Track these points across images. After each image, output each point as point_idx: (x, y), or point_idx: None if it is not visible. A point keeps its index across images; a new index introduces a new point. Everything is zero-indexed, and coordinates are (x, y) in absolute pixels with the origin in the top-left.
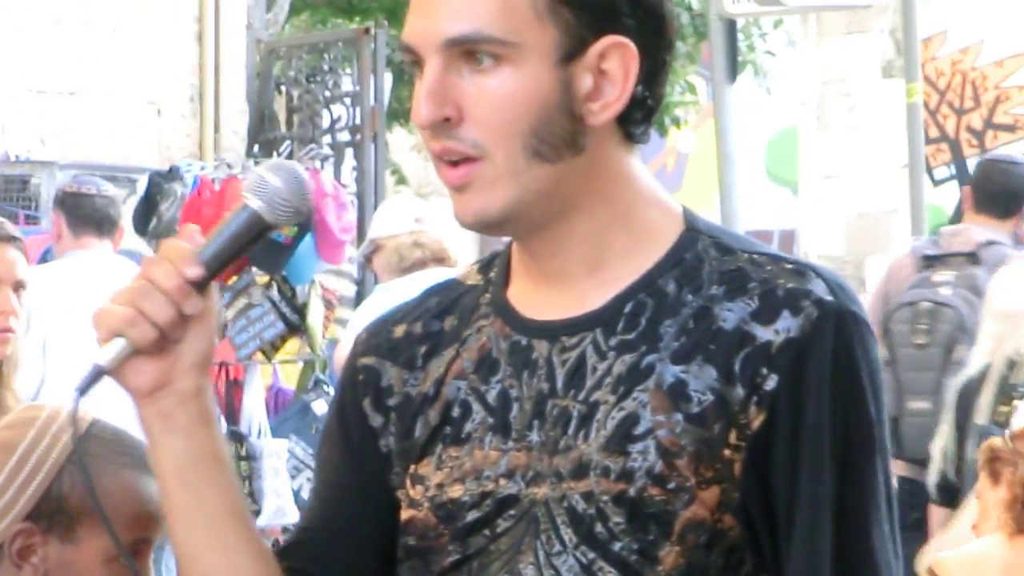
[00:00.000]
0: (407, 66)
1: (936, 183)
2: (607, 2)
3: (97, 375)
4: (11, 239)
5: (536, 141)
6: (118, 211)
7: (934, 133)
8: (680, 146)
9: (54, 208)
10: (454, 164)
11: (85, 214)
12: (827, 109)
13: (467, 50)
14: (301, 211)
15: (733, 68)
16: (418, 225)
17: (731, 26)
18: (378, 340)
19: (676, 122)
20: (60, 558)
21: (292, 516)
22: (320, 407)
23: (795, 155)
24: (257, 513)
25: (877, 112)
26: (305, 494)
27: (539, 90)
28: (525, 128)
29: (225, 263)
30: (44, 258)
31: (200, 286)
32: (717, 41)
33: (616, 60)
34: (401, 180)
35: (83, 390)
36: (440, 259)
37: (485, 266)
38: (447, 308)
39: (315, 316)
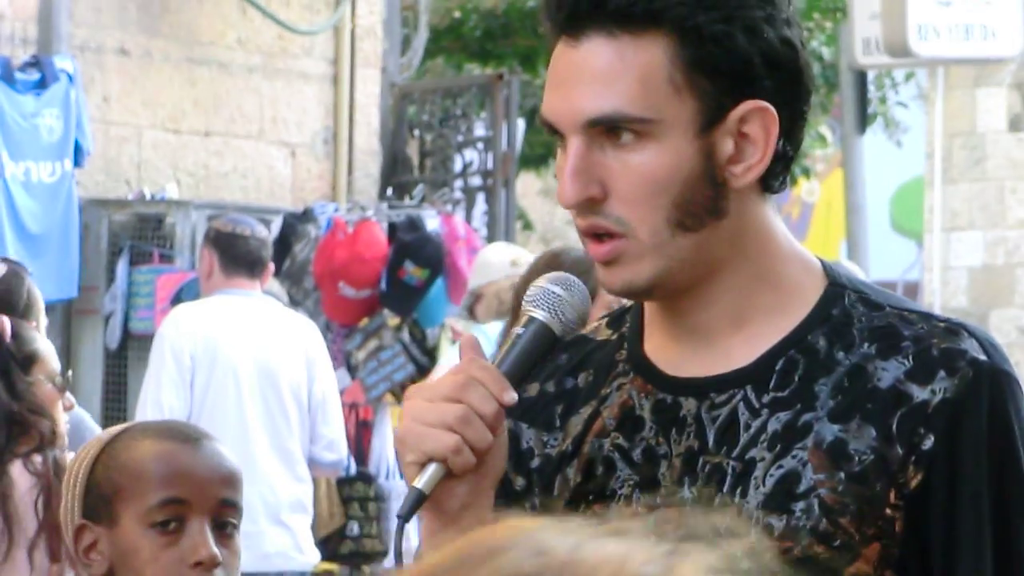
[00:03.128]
0: (547, 135)
1: None
2: (744, 68)
3: (419, 500)
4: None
5: (679, 213)
6: (269, 253)
7: None
8: (805, 195)
9: (206, 246)
10: (599, 239)
11: (238, 254)
12: (953, 161)
13: (608, 128)
14: (584, 319)
15: (863, 119)
16: (514, 269)
17: (862, 77)
18: None
19: (806, 172)
20: (114, 542)
21: None
22: None
23: (921, 206)
24: (385, 554)
25: (1004, 165)
26: None
27: (681, 163)
28: (668, 202)
29: (520, 381)
30: (178, 296)
31: None
32: (848, 92)
33: (757, 123)
34: (527, 226)
35: (407, 517)
36: None
37: (615, 321)
38: (580, 364)
39: (445, 359)
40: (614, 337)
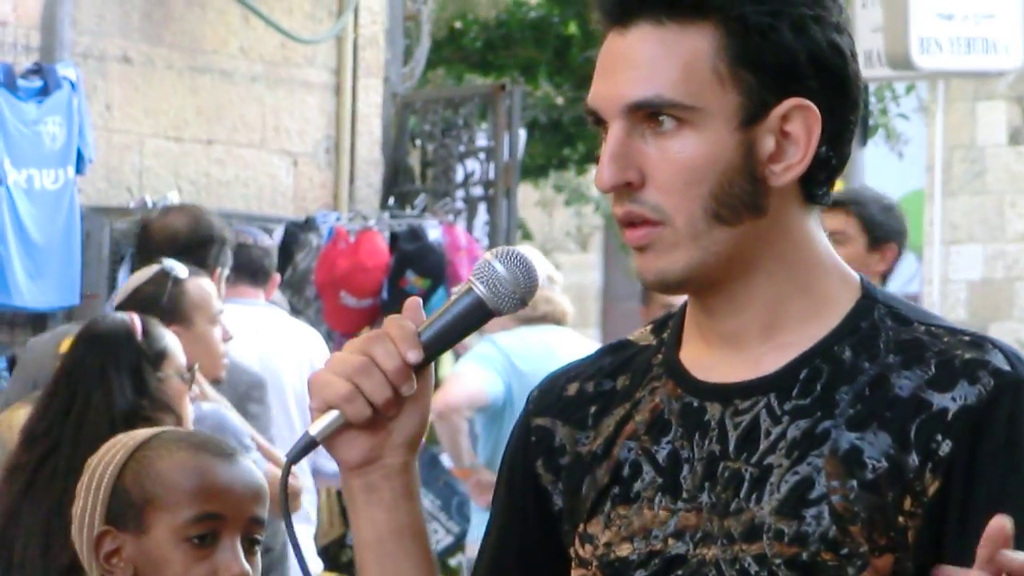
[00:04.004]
0: (591, 127)
1: None
2: (790, 65)
3: (309, 445)
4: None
5: (716, 205)
6: (272, 262)
7: None
8: None
9: None
10: (634, 224)
11: (241, 264)
12: (953, 174)
13: (649, 113)
14: (526, 301)
15: (864, 131)
16: (550, 284)
17: (863, 90)
18: (551, 399)
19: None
20: (140, 551)
21: None
22: (448, 460)
23: (921, 219)
24: None
25: (1003, 179)
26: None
27: (720, 153)
28: (706, 192)
29: (444, 347)
30: None
31: (418, 368)
32: None
33: (799, 122)
34: (526, 235)
35: (295, 458)
36: (559, 320)
37: (659, 327)
38: (620, 367)
39: (447, 368)
40: (655, 342)
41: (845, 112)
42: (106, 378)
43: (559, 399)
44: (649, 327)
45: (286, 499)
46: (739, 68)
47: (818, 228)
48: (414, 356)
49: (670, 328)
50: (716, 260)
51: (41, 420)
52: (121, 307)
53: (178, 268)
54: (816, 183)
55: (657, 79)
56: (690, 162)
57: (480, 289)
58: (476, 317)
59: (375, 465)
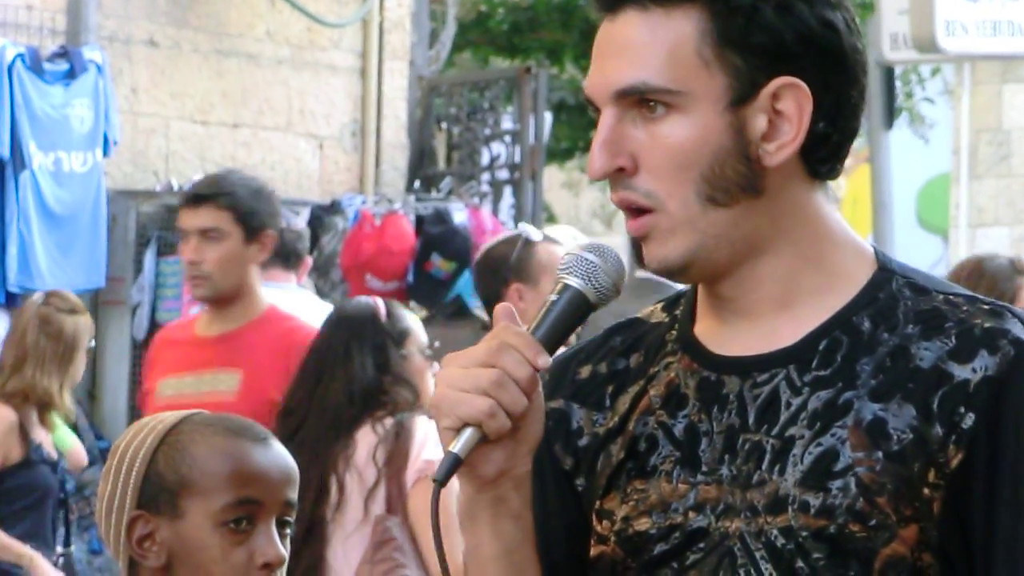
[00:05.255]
0: (592, 113)
1: None
2: (776, 45)
3: (455, 465)
4: None
5: (709, 187)
6: (304, 245)
7: None
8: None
9: None
10: (635, 214)
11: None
12: (979, 157)
13: (639, 99)
14: (619, 288)
15: (890, 115)
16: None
17: (889, 73)
18: (564, 382)
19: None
20: (175, 535)
21: None
22: None
23: (947, 202)
24: None
25: None
26: None
27: (709, 136)
28: (697, 175)
29: (555, 347)
30: None
31: None
32: (875, 88)
33: (790, 100)
34: (551, 218)
35: (443, 481)
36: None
37: (671, 304)
38: (632, 345)
39: None
40: (667, 319)
41: (843, 86)
42: (349, 356)
43: (572, 382)
44: (660, 304)
45: (437, 524)
46: (725, 50)
47: (826, 202)
48: (543, 361)
49: (683, 305)
50: (716, 243)
51: (291, 397)
52: (477, 264)
53: (532, 232)
54: (818, 160)
55: (642, 65)
56: (679, 146)
57: (578, 283)
58: (579, 312)
59: (507, 476)
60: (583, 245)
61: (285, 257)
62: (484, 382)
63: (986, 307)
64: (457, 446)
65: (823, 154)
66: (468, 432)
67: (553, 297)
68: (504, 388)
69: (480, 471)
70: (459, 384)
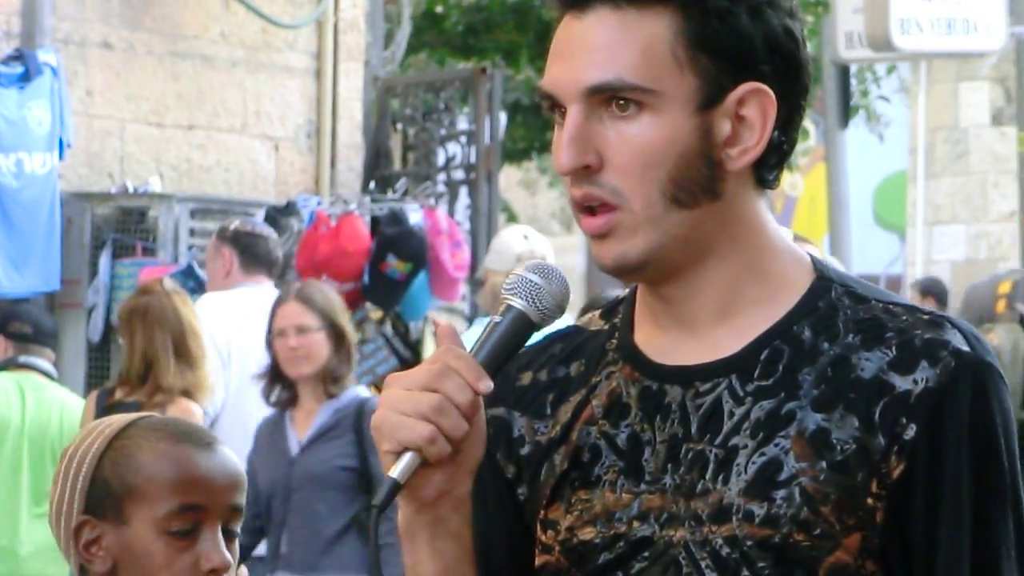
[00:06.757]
0: (545, 112)
1: None
2: (746, 49)
3: (395, 490)
4: None
5: (674, 188)
6: (280, 252)
7: None
8: (788, 189)
9: (223, 244)
10: (592, 212)
11: (259, 253)
12: (936, 155)
13: (608, 97)
14: (563, 308)
15: (846, 113)
16: (519, 266)
17: (844, 72)
18: (504, 388)
19: (789, 166)
20: (119, 542)
21: None
22: None
23: (904, 200)
24: None
25: (986, 159)
26: None
27: (678, 137)
28: (663, 175)
29: (498, 369)
30: None
31: None
32: (830, 86)
33: (755, 106)
34: (511, 218)
35: (383, 506)
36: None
37: (608, 312)
38: (572, 354)
39: (428, 353)
40: (606, 327)
41: (797, 97)
42: None
43: (512, 389)
44: (597, 312)
45: (376, 548)
46: (697, 52)
47: (767, 211)
48: (485, 386)
49: (621, 313)
50: (674, 243)
51: None
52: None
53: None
54: (768, 167)
55: (617, 62)
56: (648, 145)
57: (521, 304)
58: (523, 333)
59: (447, 497)
60: (528, 266)
61: (269, 265)
62: (425, 407)
63: (926, 317)
64: (397, 471)
65: (773, 161)
66: (408, 456)
67: (497, 319)
68: (445, 414)
69: (420, 494)
70: (400, 407)
